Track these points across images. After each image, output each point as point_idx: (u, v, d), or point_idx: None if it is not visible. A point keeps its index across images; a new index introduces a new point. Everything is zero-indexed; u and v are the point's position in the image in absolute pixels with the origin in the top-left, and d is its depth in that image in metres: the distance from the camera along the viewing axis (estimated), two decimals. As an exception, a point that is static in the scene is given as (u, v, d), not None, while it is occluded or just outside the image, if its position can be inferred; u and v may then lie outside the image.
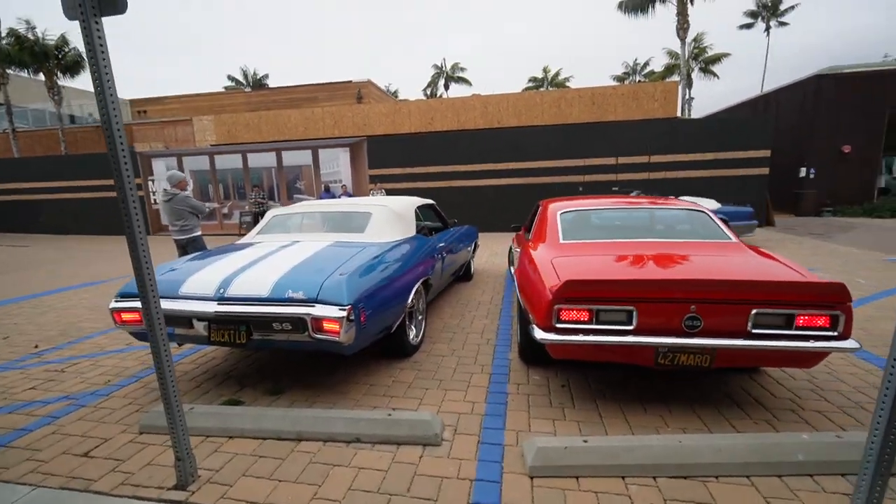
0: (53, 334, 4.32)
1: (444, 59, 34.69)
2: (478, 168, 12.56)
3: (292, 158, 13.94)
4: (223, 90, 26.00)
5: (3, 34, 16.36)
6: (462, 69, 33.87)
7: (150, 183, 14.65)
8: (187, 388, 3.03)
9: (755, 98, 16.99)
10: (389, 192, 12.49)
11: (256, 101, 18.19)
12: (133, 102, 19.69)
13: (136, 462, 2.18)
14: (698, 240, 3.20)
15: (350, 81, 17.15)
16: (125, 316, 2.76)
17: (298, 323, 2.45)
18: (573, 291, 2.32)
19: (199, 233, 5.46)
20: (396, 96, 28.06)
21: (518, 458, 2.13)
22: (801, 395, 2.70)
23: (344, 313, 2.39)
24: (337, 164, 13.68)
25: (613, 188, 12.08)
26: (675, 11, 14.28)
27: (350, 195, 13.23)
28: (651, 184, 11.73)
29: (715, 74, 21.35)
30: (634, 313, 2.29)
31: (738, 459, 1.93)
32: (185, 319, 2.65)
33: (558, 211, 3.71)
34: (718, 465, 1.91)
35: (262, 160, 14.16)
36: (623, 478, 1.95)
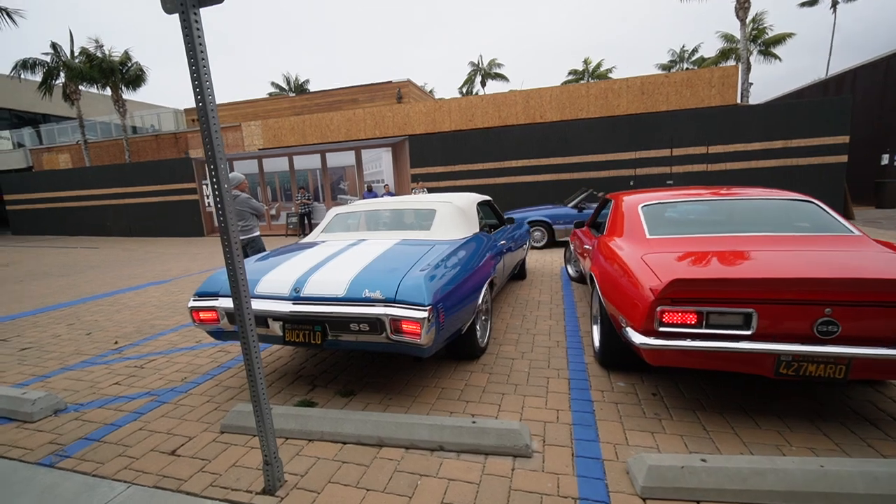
0: (129, 331, 4.52)
1: (481, 56, 34.39)
2: (521, 164, 12.25)
3: (336, 160, 14.22)
4: (268, 96, 27.06)
5: (77, 53, 17.74)
6: (499, 65, 33.41)
7: (203, 187, 15.42)
8: (260, 386, 3.03)
9: (826, 80, 15.55)
10: (432, 191, 12.46)
11: (300, 105, 18.70)
12: (187, 112, 20.84)
13: (222, 463, 2.16)
14: (813, 233, 2.82)
15: (390, 82, 17.27)
16: (203, 315, 2.79)
17: (376, 323, 2.38)
18: (679, 292, 2.07)
19: (258, 233, 5.59)
20: (433, 95, 28.07)
21: (622, 474, 1.93)
22: (949, 412, 2.31)
23: (425, 314, 2.29)
24: (379, 164, 13.81)
25: (668, 181, 11.43)
26: (734, -10, 13.28)
27: (392, 195, 13.32)
28: (709, 176, 10.99)
29: (776, 57, 19.74)
30: (754, 316, 2.02)
31: (899, 490, 1.63)
32: (261, 319, 2.61)
33: (639, 204, 3.42)
34: (878, 497, 1.61)
35: (308, 162, 14.53)
36: (752, 504, 1.71)
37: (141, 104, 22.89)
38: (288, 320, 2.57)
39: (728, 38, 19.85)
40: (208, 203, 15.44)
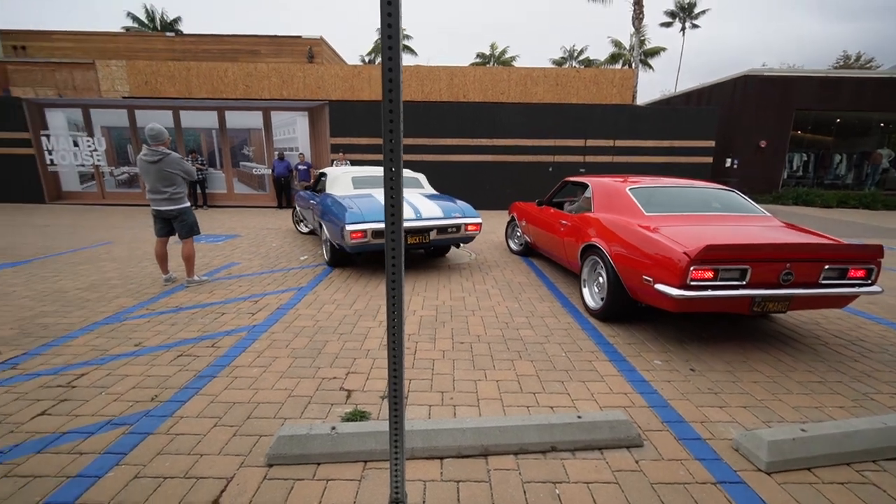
0: (9, 334, 3.23)
1: (387, 24, 32.48)
2: (445, 142, 12.11)
3: (238, 120, 12.10)
4: (125, 31, 21.64)
5: None
6: (408, 37, 32.21)
7: (43, 139, 11.83)
8: (277, 398, 2.42)
9: (691, 91, 18.60)
10: (355, 163, 11.56)
11: (182, 49, 15.33)
12: (4, 35, 15.41)
13: (300, 506, 1.65)
14: (745, 213, 3.87)
15: (299, 37, 15.20)
16: (354, 234, 4.47)
17: (459, 227, 5.03)
18: (709, 255, 2.72)
19: (188, 203, 4.45)
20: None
21: (732, 452, 2.01)
22: None
23: (480, 220, 5.16)
24: (293, 129, 12.19)
25: (581, 170, 12.51)
26: (633, 1, 14.84)
27: (309, 165, 11.99)
28: (615, 167, 12.35)
29: (650, 67, 23.02)
30: (749, 271, 2.82)
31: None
32: None
33: (626, 188, 4.06)
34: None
35: (199, 120, 12.11)
36: (849, 464, 1.94)
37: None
38: (411, 231, 4.68)
39: (617, 44, 22.36)
40: (50, 160, 11.93)
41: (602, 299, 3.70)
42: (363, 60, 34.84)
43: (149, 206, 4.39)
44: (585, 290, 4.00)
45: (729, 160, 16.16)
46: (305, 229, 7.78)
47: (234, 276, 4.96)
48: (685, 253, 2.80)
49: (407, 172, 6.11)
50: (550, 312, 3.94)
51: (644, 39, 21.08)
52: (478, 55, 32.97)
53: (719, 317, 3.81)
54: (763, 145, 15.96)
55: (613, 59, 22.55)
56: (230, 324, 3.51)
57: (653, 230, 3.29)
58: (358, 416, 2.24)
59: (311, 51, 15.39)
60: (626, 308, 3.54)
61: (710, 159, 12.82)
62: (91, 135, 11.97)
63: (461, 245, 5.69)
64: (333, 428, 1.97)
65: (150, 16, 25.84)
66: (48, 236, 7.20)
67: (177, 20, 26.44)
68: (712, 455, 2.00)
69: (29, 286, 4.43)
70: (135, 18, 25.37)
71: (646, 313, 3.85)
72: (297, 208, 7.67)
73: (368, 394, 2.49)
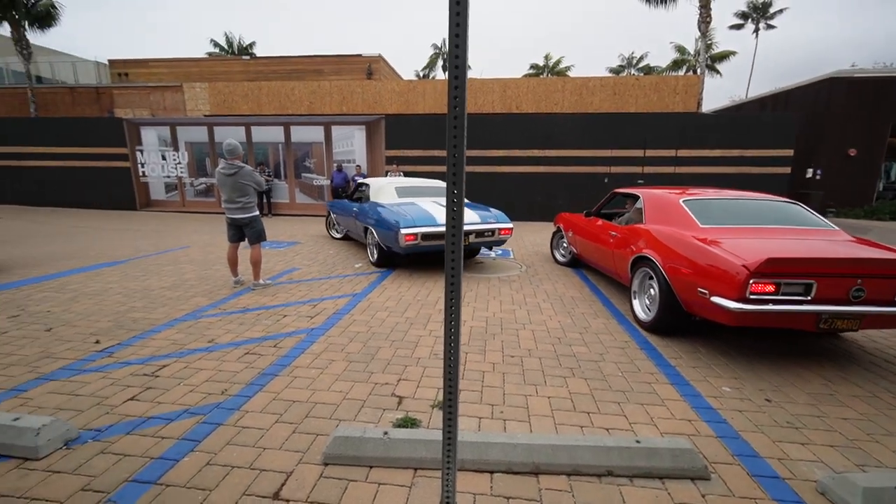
0: (106, 326, 3.65)
1: (444, 40, 33.45)
2: (497, 154, 12.09)
3: (301, 135, 12.96)
4: (208, 56, 24.06)
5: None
6: (459, 51, 32.72)
7: (138, 153, 13.37)
8: (333, 400, 2.53)
9: (765, 96, 17.23)
10: (408, 175, 11.89)
11: (255, 70, 16.79)
12: (112, 64, 17.78)
13: (353, 507, 1.71)
14: (810, 227, 3.64)
15: (360, 55, 16.08)
16: (408, 237, 5.07)
17: (494, 231, 5.57)
18: (770, 268, 2.66)
19: (257, 212, 4.82)
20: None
21: (814, 494, 1.80)
22: None
23: (512, 225, 5.76)
24: (351, 142, 12.83)
25: (638, 181, 11.96)
26: (699, 4, 14.09)
27: (364, 176, 12.50)
28: (677, 178, 11.67)
29: (718, 72, 21.63)
30: (814, 286, 2.70)
31: None
32: (440, 235, 4.93)
33: (679, 199, 3.99)
34: None
35: (268, 135, 13.11)
36: (968, 524, 1.67)
37: (51, 51, 19.18)
38: None
39: (681, 49, 21.27)
40: (143, 173, 13.44)
41: (653, 311, 3.67)
42: (418, 75, 35.95)
43: (223, 214, 4.80)
44: (636, 302, 4.00)
45: (810, 170, 14.70)
46: (338, 234, 8.39)
47: (294, 280, 5.27)
48: (744, 265, 2.75)
49: (440, 182, 6.94)
50: (605, 329, 3.78)
51: (711, 43, 19.82)
52: (531, 66, 32.84)
53: (797, 339, 3.47)
54: (853, 154, 14.36)
55: (676, 65, 21.43)
56: (291, 326, 3.73)
57: (709, 242, 3.23)
58: (409, 422, 2.28)
59: (370, 67, 16.17)
60: (680, 321, 3.49)
61: (787, 169, 11.73)
62: (176, 149, 13.35)
63: (491, 248, 6.75)
64: (386, 433, 2.02)
65: (230, 42, 28.51)
66: (138, 240, 8.09)
67: (252, 44, 28.95)
68: (793, 497, 1.80)
69: (122, 284, 4.99)
70: (217, 44, 28.12)
71: (711, 333, 3.58)
72: (332, 215, 8.29)
73: (419, 402, 2.52)
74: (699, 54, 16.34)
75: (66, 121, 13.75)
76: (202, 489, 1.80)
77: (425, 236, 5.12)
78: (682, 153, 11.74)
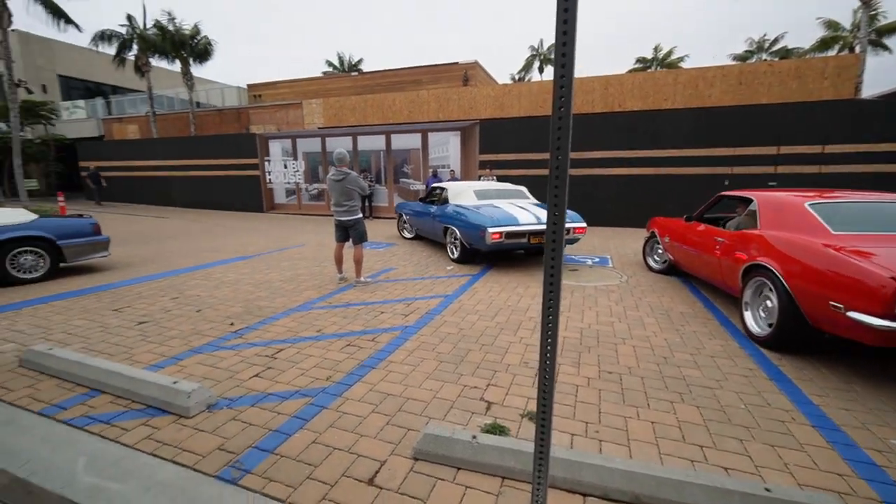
0: (238, 311, 4.26)
1: (542, 41, 32.82)
2: (598, 155, 11.38)
3: (401, 142, 13.77)
4: (322, 75, 26.95)
5: (150, 25, 18.09)
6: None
7: (266, 163, 15.44)
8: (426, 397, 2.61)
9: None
10: (501, 179, 11.83)
11: (361, 84, 18.39)
12: (250, 87, 21.00)
13: (441, 506, 1.73)
14: None
15: (456, 63, 16.60)
16: (494, 236, 5.55)
17: (569, 230, 5.81)
18: None
19: (360, 215, 5.22)
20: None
21: None
22: None
23: (585, 224, 6.10)
24: (446, 148, 13.26)
25: (770, 183, 10.30)
26: (859, -32, 11.65)
27: (458, 181, 12.78)
28: (822, 179, 9.79)
29: (887, 48, 17.51)
30: None
31: None
32: (524, 234, 5.65)
33: (804, 202, 3.61)
34: None
35: (371, 143, 14.18)
36: None
37: (204, 80, 23.29)
38: (533, 233, 5.69)
39: (832, 25, 17.78)
40: (269, 180, 15.49)
41: (769, 325, 3.39)
42: (513, 79, 35.72)
43: (331, 216, 5.29)
44: (748, 314, 3.69)
45: None
46: (409, 234, 9.03)
47: (391, 279, 5.58)
48: (893, 277, 2.49)
49: (510, 186, 7.67)
50: (724, 352, 3.31)
51: (876, 13, 16.09)
52: (637, 60, 30.41)
53: None
54: None
55: (825, 44, 17.85)
56: (387, 322, 3.95)
57: (844, 250, 2.91)
58: (497, 429, 2.25)
59: (466, 74, 16.51)
60: (804, 337, 3.18)
61: None
62: (295, 159, 15.13)
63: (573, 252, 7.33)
64: (474, 437, 2.02)
65: (342, 60, 31.52)
66: (264, 238, 9.33)
67: (360, 61, 31.62)
68: None
69: (251, 276, 5.79)
70: (330, 64, 31.29)
71: (869, 367, 2.91)
72: (403, 217, 9.08)
73: (507, 409, 2.48)
74: (858, 28, 13.49)
75: (215, 138, 16.49)
76: (309, 464, 1.99)
77: (508, 235, 5.65)
78: (832, 149, 9.82)
